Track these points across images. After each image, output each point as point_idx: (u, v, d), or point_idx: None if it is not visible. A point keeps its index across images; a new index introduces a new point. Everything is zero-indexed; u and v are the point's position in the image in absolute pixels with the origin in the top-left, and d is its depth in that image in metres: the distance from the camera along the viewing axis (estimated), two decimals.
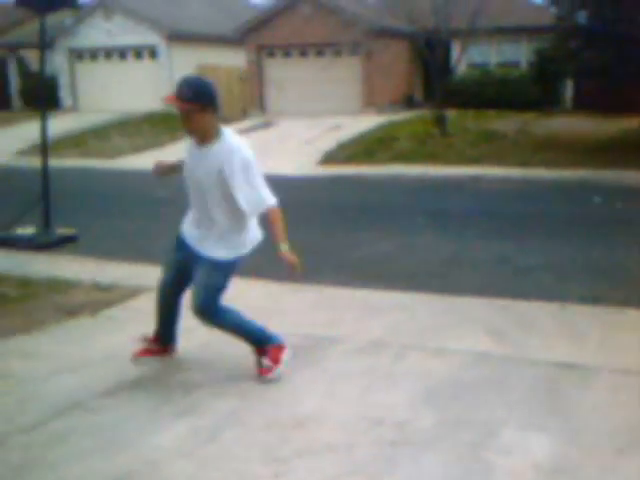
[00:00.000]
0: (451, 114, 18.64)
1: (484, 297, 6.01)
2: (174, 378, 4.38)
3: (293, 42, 23.74)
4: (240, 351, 4.85)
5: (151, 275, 6.89)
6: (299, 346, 4.86)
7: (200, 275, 4.18)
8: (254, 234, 4.32)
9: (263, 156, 19.10)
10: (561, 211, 10.29)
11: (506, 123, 18.53)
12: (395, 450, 3.42)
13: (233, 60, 25.27)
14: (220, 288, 4.22)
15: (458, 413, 3.78)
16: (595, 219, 9.48)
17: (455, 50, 20.62)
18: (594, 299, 5.84)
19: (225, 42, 25.62)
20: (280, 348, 4.36)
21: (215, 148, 4.01)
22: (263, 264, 7.55)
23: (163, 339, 4.60)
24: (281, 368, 4.31)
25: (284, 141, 19.27)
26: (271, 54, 24.71)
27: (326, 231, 9.32)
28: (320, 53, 23.95)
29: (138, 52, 26.16)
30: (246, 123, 22.63)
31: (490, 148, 15.95)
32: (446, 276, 6.98)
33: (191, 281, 4.26)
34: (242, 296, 6.27)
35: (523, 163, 14.27)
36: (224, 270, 4.21)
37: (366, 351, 4.79)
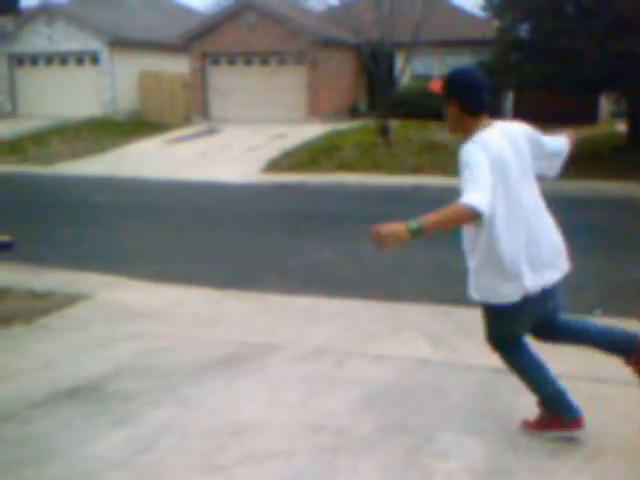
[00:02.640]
0: (395, 124, 18.82)
1: (421, 303, 6.07)
2: (110, 388, 4.29)
3: (237, 50, 23.68)
4: (175, 359, 4.80)
5: (88, 282, 6.81)
6: (240, 354, 4.84)
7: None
8: None
9: (205, 163, 19.07)
10: None
11: (448, 134, 18.78)
12: (334, 456, 3.41)
13: (177, 67, 25.10)
14: None
15: (397, 418, 3.79)
16: None
17: (399, 61, 20.85)
18: None
19: (169, 49, 25.43)
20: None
21: None
22: (202, 270, 7.55)
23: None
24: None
25: (227, 148, 19.18)
26: (215, 62, 24.59)
27: (268, 238, 9.30)
28: (265, 62, 23.95)
29: (79, 58, 25.74)
30: (188, 130, 22.47)
31: (432, 158, 16.15)
32: (387, 283, 7.02)
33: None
34: (183, 303, 6.24)
35: None
36: None
37: (307, 358, 4.77)
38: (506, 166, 3.19)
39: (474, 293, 3.38)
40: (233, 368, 4.57)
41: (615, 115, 21.46)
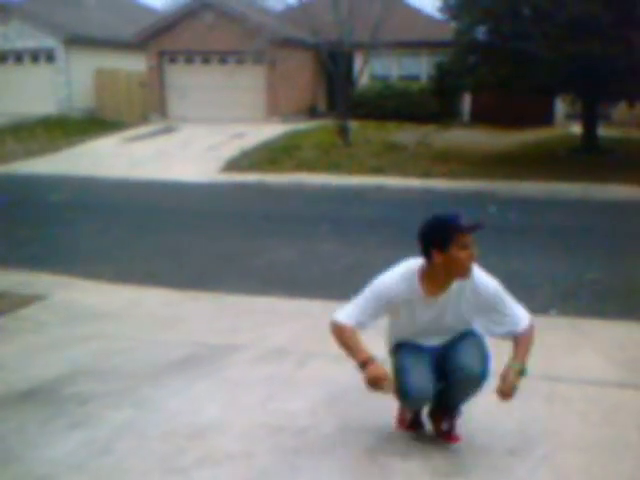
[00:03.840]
0: (354, 125, 18.88)
1: None
2: (66, 390, 4.21)
3: (195, 49, 23.51)
4: (133, 360, 4.74)
5: (43, 283, 6.69)
6: (199, 355, 4.80)
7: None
8: None
9: (163, 162, 18.79)
10: None
11: (406, 135, 18.93)
12: (295, 457, 3.40)
13: (134, 65, 24.83)
14: None
15: (358, 418, 3.80)
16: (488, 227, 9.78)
17: (358, 62, 20.91)
18: None
19: (126, 47, 25.13)
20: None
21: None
22: (161, 271, 7.47)
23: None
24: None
25: (186, 147, 19.02)
26: (173, 60, 24.38)
27: (228, 238, 9.25)
28: (223, 61, 23.82)
29: (35, 56, 25.28)
30: (145, 129, 22.23)
31: (391, 159, 16.24)
32: (349, 283, 7.02)
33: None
34: (141, 304, 6.17)
35: (423, 174, 14.59)
36: None
37: (268, 359, 4.75)
38: None
39: None
40: (192, 369, 4.53)
41: (570, 117, 21.83)
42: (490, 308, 3.38)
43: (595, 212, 11.47)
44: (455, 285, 3.32)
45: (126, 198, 12.87)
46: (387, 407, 3.92)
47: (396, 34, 19.95)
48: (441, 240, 3.21)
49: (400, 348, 3.52)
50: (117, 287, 6.71)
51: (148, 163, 16.99)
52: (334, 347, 4.90)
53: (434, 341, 3.49)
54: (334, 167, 15.54)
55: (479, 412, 3.77)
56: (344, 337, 3.37)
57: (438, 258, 3.23)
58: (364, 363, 3.28)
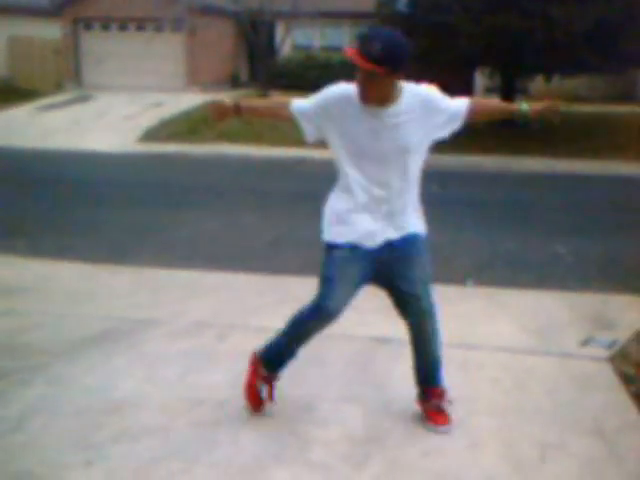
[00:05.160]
0: (276, 95, 18.73)
1: (305, 276, 6.10)
2: None
3: (112, 15, 22.82)
4: (47, 336, 4.62)
5: None
6: (116, 330, 4.71)
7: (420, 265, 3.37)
8: None
9: (78, 131, 18.24)
10: None
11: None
12: (214, 430, 3.39)
13: (49, 32, 23.93)
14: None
15: (278, 389, 3.80)
16: None
17: (279, 31, 20.73)
18: None
19: (40, 14, 24.19)
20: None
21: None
22: (75, 244, 7.28)
23: None
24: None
25: (102, 116, 18.52)
26: (88, 27, 23.62)
27: (146, 210, 9.08)
28: (141, 28, 23.20)
29: None
30: (60, 97, 21.53)
31: None
32: (270, 256, 7.02)
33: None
34: (54, 278, 6.00)
35: None
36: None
37: (188, 332, 4.70)
38: None
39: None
40: (109, 344, 4.44)
41: (490, 91, 22.22)
42: (430, 112, 3.27)
43: (511, 185, 11.77)
44: (401, 103, 3.19)
45: (39, 169, 12.45)
46: (307, 377, 3.96)
47: (318, 4, 19.84)
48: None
49: (333, 251, 3.62)
50: (29, 261, 6.50)
51: (62, 133, 16.47)
52: (256, 320, 4.93)
53: (378, 176, 3.42)
54: (256, 138, 15.41)
55: (396, 378, 3.85)
56: None
57: None
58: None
